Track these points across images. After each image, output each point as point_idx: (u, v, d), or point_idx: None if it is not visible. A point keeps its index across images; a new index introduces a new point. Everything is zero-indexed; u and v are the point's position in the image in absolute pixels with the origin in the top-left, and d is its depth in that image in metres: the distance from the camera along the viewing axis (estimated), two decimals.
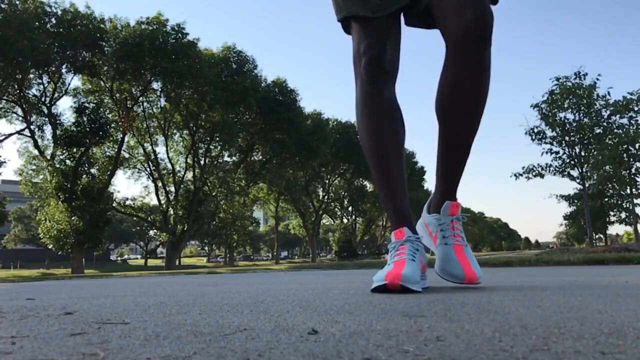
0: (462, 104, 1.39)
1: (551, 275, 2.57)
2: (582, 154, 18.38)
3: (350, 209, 46.00)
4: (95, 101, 23.75)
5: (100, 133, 22.11)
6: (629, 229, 47.63)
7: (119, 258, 75.52)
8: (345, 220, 46.75)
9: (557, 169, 18.67)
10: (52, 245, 21.48)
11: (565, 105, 18.09)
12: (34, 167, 24.59)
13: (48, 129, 22.85)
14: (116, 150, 24.48)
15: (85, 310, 1.10)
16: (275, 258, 44.72)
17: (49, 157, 21.94)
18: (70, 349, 0.59)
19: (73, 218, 20.77)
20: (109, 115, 23.84)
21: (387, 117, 1.51)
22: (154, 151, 27.31)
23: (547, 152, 18.66)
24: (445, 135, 1.46)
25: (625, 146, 18.08)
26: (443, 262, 1.47)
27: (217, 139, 27.16)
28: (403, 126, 1.56)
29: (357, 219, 46.99)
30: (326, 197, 41.75)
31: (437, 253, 1.52)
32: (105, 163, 24.13)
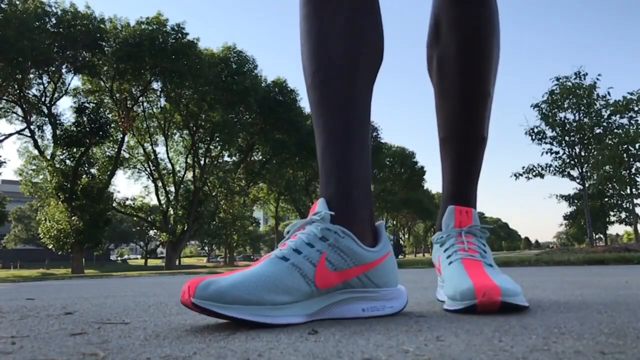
0: (458, 53, 0.98)
1: (551, 275, 2.57)
2: (582, 154, 18.39)
3: None
4: (95, 101, 23.74)
5: (100, 133, 22.10)
6: (629, 229, 47.67)
7: (119, 258, 75.50)
8: None
9: (557, 169, 18.68)
10: (52, 245, 21.48)
11: (565, 105, 18.10)
12: (34, 167, 24.60)
13: (48, 129, 22.87)
14: (116, 150, 24.48)
15: (85, 310, 1.10)
16: None
17: (49, 157, 21.94)
18: (70, 349, 0.59)
19: (73, 218, 20.78)
20: (109, 115, 23.84)
21: (346, 38, 0.88)
22: (154, 151, 27.32)
23: (547, 152, 18.68)
24: (442, 104, 1.01)
25: (625, 146, 18.08)
26: (446, 288, 0.87)
27: (217, 139, 27.16)
28: (375, 42, 0.91)
29: None
30: None
31: (445, 285, 0.89)
32: (105, 163, 24.13)
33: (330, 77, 0.88)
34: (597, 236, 34.94)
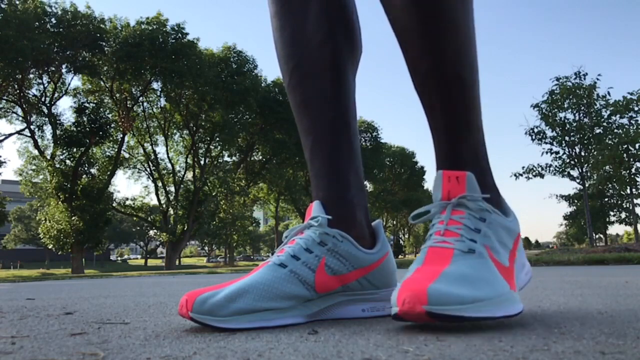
0: None
1: (551, 275, 2.57)
2: (582, 154, 18.41)
3: None
4: (95, 101, 23.75)
5: (100, 133, 22.11)
6: (629, 229, 47.69)
7: (119, 258, 75.50)
8: None
9: (557, 169, 18.71)
10: (52, 245, 21.49)
11: (565, 105, 18.13)
12: (34, 167, 24.59)
13: (48, 129, 22.88)
14: (116, 150, 24.49)
15: (85, 310, 1.10)
16: None
17: (49, 157, 21.95)
18: (70, 349, 0.59)
19: (73, 218, 20.78)
20: (109, 115, 23.84)
21: (320, 32, 0.84)
22: (154, 151, 27.33)
23: (547, 152, 18.71)
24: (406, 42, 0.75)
25: (625, 146, 18.10)
26: None
27: (217, 139, 27.17)
28: (352, 32, 0.86)
29: None
30: None
31: None
32: (105, 163, 24.13)
33: (309, 74, 0.83)
34: (597, 236, 34.95)
